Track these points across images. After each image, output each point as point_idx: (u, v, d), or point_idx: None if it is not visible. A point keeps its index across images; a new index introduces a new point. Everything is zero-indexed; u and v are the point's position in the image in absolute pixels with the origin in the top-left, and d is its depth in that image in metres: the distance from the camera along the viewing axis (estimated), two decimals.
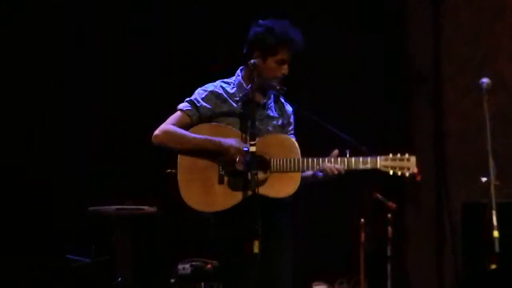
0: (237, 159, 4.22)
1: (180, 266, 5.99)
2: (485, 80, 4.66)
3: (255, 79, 4.27)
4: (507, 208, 5.12)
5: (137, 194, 6.19)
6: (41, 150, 6.70)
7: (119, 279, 6.11)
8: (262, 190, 4.16)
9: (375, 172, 4.32)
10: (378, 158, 4.32)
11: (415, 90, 7.41)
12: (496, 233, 4.37)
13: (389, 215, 6.24)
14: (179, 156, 4.28)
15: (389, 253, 6.29)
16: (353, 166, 4.31)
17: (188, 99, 4.41)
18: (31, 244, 6.56)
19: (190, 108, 4.36)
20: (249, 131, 4.21)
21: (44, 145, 6.72)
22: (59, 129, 6.77)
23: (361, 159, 4.31)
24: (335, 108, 6.83)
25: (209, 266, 5.87)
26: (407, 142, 7.33)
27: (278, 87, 4.39)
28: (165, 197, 4.52)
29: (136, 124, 6.20)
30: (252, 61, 4.29)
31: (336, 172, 4.28)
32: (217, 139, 4.26)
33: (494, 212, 4.38)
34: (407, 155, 4.34)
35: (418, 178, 4.40)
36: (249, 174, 4.09)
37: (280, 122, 4.48)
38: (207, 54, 6.82)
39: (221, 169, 4.27)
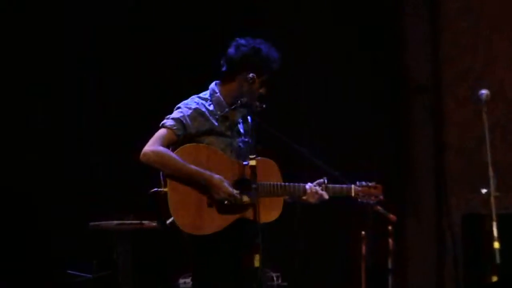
0: (225, 203, 4.21)
1: (181, 281, 5.98)
2: (484, 91, 4.67)
3: (243, 98, 4.28)
4: (508, 219, 5.12)
5: (137, 208, 6.18)
6: (42, 165, 6.70)
7: None
8: (247, 215, 4.18)
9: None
10: (353, 186, 4.55)
11: (414, 101, 7.40)
12: (496, 245, 4.38)
13: (389, 228, 6.22)
14: (168, 177, 4.24)
15: (390, 265, 6.27)
16: (330, 193, 4.44)
17: (173, 116, 4.34)
18: (32, 260, 6.56)
19: (177, 127, 4.31)
20: (250, 144, 4.25)
21: (44, 160, 6.72)
22: (59, 144, 6.78)
23: (337, 187, 4.49)
24: (333, 121, 6.85)
25: None
26: (407, 153, 7.33)
27: (258, 105, 4.40)
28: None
29: (136, 140, 6.20)
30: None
31: (317, 196, 4.36)
32: (208, 174, 4.20)
33: (494, 224, 4.39)
34: (374, 183, 4.60)
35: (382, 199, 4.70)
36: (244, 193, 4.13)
37: (247, 138, 4.48)
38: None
39: (210, 195, 4.25)
